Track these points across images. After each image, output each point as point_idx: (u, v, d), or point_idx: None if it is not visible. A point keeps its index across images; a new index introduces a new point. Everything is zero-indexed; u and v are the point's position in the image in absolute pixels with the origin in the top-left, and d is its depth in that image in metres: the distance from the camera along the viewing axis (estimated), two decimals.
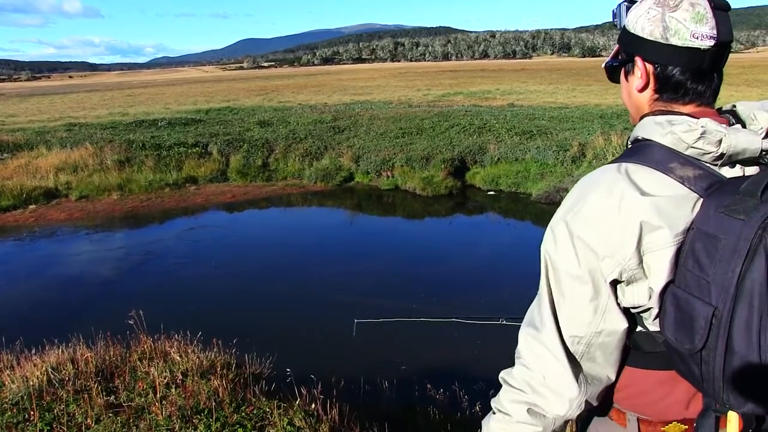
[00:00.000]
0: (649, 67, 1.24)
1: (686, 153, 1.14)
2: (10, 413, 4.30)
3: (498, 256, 11.60)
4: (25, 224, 14.52)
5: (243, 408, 4.43)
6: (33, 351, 5.58)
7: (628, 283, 1.14)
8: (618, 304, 1.16)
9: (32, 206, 15.71)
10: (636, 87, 1.28)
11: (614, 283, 1.15)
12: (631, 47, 1.27)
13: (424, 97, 36.21)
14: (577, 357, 1.20)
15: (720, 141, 1.10)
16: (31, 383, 4.72)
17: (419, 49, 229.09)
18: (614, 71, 1.37)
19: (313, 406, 4.52)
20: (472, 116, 23.41)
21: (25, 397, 4.48)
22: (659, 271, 1.10)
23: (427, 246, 12.58)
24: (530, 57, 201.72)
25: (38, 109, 38.22)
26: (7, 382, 4.81)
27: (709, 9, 1.15)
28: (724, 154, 1.11)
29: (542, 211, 13.64)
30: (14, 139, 21.43)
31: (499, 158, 16.90)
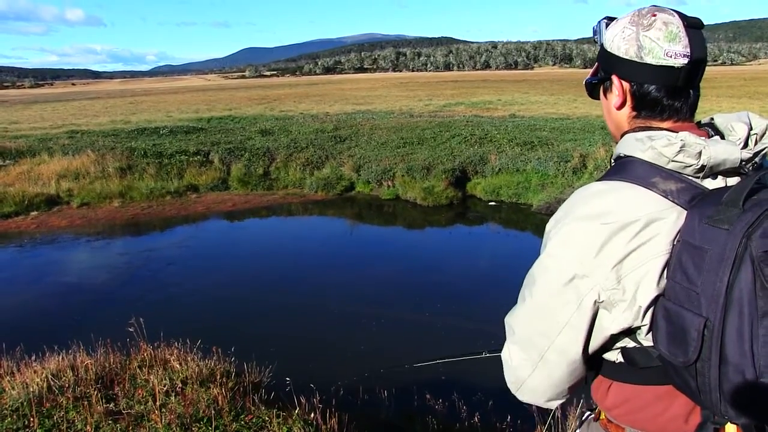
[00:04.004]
0: (626, 85, 1.27)
1: (668, 167, 1.16)
2: (10, 419, 4.31)
3: (497, 266, 11.59)
4: (27, 231, 14.54)
5: (242, 416, 4.43)
6: (33, 357, 5.59)
7: (611, 305, 1.14)
8: (590, 329, 1.18)
9: (34, 213, 15.74)
10: (614, 105, 1.30)
11: (594, 306, 1.16)
12: (608, 65, 1.29)
13: (425, 107, 36.31)
14: (531, 365, 1.25)
15: (700, 153, 1.12)
16: (31, 390, 4.73)
17: (421, 59, 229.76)
18: (594, 88, 1.39)
19: (312, 415, 4.52)
20: (473, 126, 23.48)
21: (25, 403, 4.49)
22: (646, 286, 1.11)
23: (426, 256, 12.57)
24: (532, 68, 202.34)
25: (41, 116, 38.32)
26: (7, 389, 4.82)
27: (682, 28, 1.18)
28: (705, 165, 1.13)
29: (543, 221, 13.55)
30: (17, 145, 21.49)
31: (500, 169, 16.93)
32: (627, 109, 1.29)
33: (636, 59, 1.21)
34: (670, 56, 1.17)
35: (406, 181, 16.81)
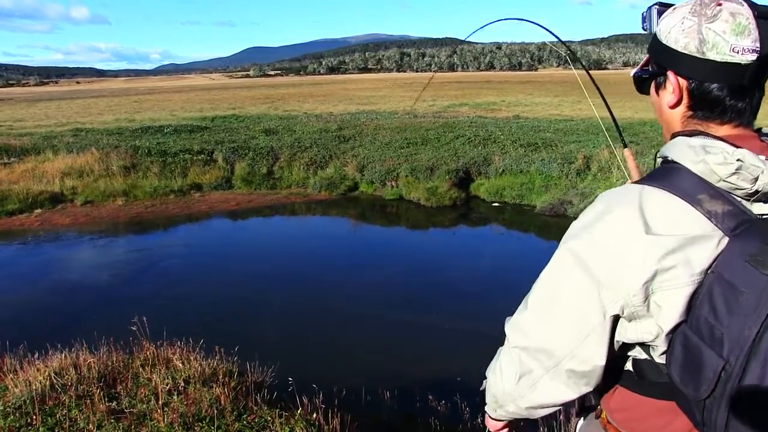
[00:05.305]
0: (683, 82, 1.14)
1: (717, 185, 1.04)
2: (12, 417, 4.31)
3: (500, 267, 11.58)
4: (31, 228, 14.58)
5: (244, 416, 4.43)
6: (36, 355, 5.59)
7: (631, 319, 1.07)
8: (611, 338, 1.10)
9: (38, 210, 15.78)
10: (668, 103, 1.19)
11: (614, 318, 1.08)
12: (663, 59, 1.17)
13: (429, 107, 36.28)
14: (543, 371, 1.16)
15: (756, 179, 1.00)
16: (34, 387, 4.73)
17: (425, 59, 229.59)
18: (643, 83, 1.26)
19: (314, 415, 4.52)
20: (477, 127, 23.48)
21: (27, 401, 4.49)
22: (671, 311, 1.02)
23: (429, 257, 12.58)
24: (536, 69, 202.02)
25: (45, 114, 38.44)
26: (10, 386, 4.82)
27: (752, 19, 1.05)
28: (759, 191, 1.01)
29: (546, 223, 13.62)
30: (21, 143, 21.56)
31: (503, 170, 16.93)
32: (682, 108, 1.17)
33: (697, 54, 1.08)
34: (737, 52, 1.05)
35: (409, 181, 16.82)
